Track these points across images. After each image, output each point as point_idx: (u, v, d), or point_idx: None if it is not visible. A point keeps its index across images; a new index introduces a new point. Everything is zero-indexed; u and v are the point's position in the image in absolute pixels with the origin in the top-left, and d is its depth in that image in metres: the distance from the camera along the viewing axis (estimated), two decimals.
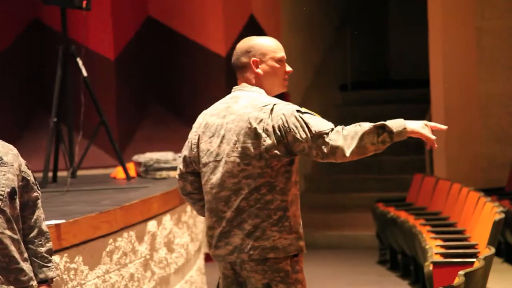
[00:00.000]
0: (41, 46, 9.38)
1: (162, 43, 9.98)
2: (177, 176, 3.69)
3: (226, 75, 9.78)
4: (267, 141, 3.41)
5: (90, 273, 4.62)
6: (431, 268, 5.56)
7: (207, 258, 8.09)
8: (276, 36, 10.36)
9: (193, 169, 3.58)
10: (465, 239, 6.47)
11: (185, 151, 3.62)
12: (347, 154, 3.33)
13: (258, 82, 3.56)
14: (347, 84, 12.18)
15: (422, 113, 10.21)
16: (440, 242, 6.48)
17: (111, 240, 4.89)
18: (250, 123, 3.44)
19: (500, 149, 9.77)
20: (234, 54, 3.61)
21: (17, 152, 3.54)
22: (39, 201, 3.56)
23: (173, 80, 10.05)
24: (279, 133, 3.40)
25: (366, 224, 9.52)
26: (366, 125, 3.36)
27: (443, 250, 6.10)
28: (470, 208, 6.92)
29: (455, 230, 6.94)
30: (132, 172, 7.12)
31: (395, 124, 3.36)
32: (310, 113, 3.44)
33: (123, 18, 9.55)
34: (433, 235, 6.87)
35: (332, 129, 3.37)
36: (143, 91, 9.98)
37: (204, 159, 3.50)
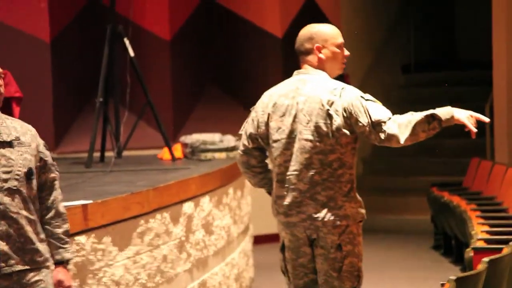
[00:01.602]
0: (98, 26, 9.47)
1: (218, 24, 9.96)
2: (240, 152, 4.07)
3: (282, 56, 9.71)
4: (337, 121, 3.80)
5: (119, 254, 4.64)
6: (471, 254, 5.42)
7: (256, 240, 8.09)
8: (335, 16, 10.33)
9: (258, 145, 3.99)
10: None
11: (250, 129, 4.02)
12: (401, 141, 3.73)
13: (321, 65, 3.96)
14: (410, 65, 11.97)
15: (484, 96, 9.97)
16: (487, 228, 6.33)
17: (142, 221, 4.89)
18: (322, 105, 3.84)
19: None
20: (297, 41, 4.04)
21: (35, 132, 3.55)
22: (56, 182, 3.56)
23: (229, 61, 10.03)
24: (345, 114, 3.80)
25: (423, 208, 9.36)
26: (418, 115, 3.74)
27: (487, 236, 5.94)
28: None
29: (506, 216, 6.77)
30: (178, 153, 7.13)
31: (443, 112, 3.73)
32: (372, 100, 3.82)
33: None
34: (482, 220, 6.71)
35: (390, 118, 3.74)
36: (199, 72, 9.99)
37: (275, 136, 3.89)
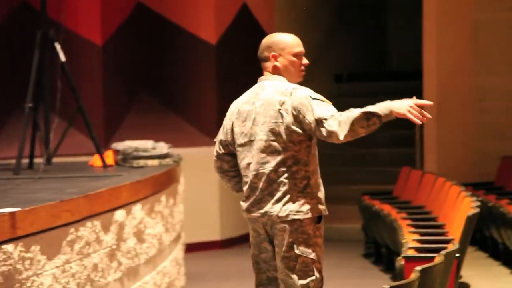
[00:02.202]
0: (27, 31, 9.30)
1: (152, 30, 9.88)
2: (214, 158, 4.31)
3: (216, 64, 9.68)
4: (287, 119, 4.04)
5: (48, 263, 4.54)
6: (402, 262, 5.47)
7: (187, 249, 8.04)
8: (269, 25, 10.34)
9: (229, 151, 4.24)
10: (443, 234, 6.37)
11: (221, 136, 4.26)
12: (341, 137, 3.90)
13: (277, 73, 4.20)
14: (342, 75, 12.07)
15: None
16: (417, 237, 6.39)
17: (72, 230, 4.81)
18: (275, 105, 4.08)
19: (493, 143, 9.65)
20: (259, 48, 4.28)
21: None
22: None
23: (162, 68, 9.96)
24: (295, 113, 4.02)
25: (354, 217, 9.43)
26: (357, 112, 3.89)
27: (417, 245, 6.00)
28: (451, 202, 6.82)
29: (434, 224, 6.85)
30: (110, 160, 7.04)
31: (382, 108, 3.89)
32: (319, 99, 4.01)
33: (112, 3, 9.45)
34: (412, 229, 6.78)
35: (332, 116, 3.91)
36: (131, 79, 9.89)
37: (239, 141, 4.16)
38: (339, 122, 3.88)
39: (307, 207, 4.01)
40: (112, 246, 5.30)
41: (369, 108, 3.88)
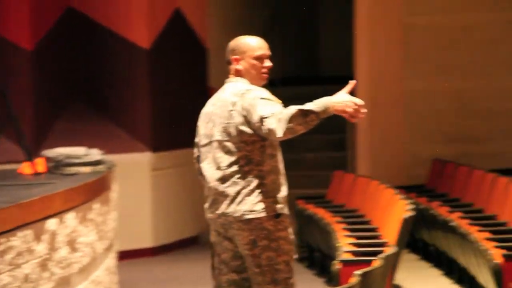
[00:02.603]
0: None
1: (83, 34, 9.72)
2: (194, 160, 4.38)
3: (150, 69, 9.57)
4: (237, 119, 4.10)
5: None
6: (338, 266, 5.47)
7: (120, 256, 7.92)
8: (203, 30, 10.27)
9: None
10: (377, 237, 6.40)
11: (196, 139, 4.33)
12: (279, 135, 3.91)
13: (240, 75, 4.25)
14: (275, 79, 12.07)
15: None
16: (352, 240, 6.41)
17: (3, 240, 4.67)
18: (227, 106, 4.15)
19: (423, 146, 9.76)
20: (226, 51, 4.33)
21: None
22: None
23: (95, 73, 9.81)
24: (244, 113, 4.08)
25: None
26: (293, 109, 3.91)
27: (353, 248, 6.02)
28: (384, 205, 6.87)
29: (368, 227, 6.89)
30: (41, 168, 6.89)
31: (319, 104, 3.94)
32: (267, 99, 4.06)
33: (41, 8, 9.27)
34: (347, 232, 6.80)
35: (273, 113, 3.94)
36: (62, 84, 9.72)
37: (202, 142, 4.25)
38: (278, 119, 3.91)
39: (261, 206, 4.06)
40: (44, 255, 5.18)
41: (307, 105, 3.91)
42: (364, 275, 3.61)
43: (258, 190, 4.07)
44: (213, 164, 4.16)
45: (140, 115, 9.59)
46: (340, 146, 10.52)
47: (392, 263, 4.42)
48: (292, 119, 3.89)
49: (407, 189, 8.76)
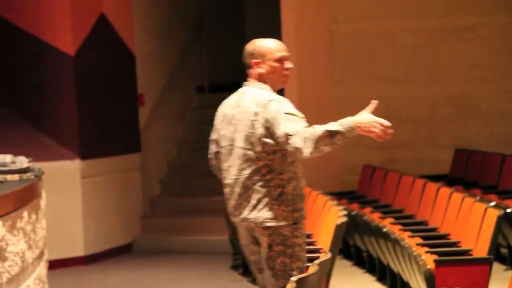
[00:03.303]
0: None
1: (6, 39, 9.54)
2: (210, 156, 4.50)
3: (75, 75, 9.43)
4: (259, 131, 4.18)
5: None
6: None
7: (51, 266, 7.78)
8: (128, 36, 10.17)
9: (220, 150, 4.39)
10: (311, 243, 6.40)
11: (213, 136, 4.44)
12: (305, 154, 4.04)
13: (261, 79, 4.31)
14: (204, 86, 12.03)
15: None
16: None
17: None
18: (249, 116, 4.22)
19: (354, 152, 9.82)
20: (243, 55, 4.38)
21: None
22: None
23: (20, 80, 9.63)
24: (266, 125, 4.16)
25: (221, 228, 9.38)
26: (321, 129, 4.04)
27: None
28: (317, 212, 6.88)
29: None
30: None
31: (345, 125, 4.07)
32: (291, 114, 4.12)
33: None
34: None
35: (298, 132, 4.03)
36: None
37: (222, 143, 4.33)
38: (304, 138, 4.01)
39: (281, 215, 4.20)
40: None
41: (333, 126, 4.03)
42: (299, 281, 3.60)
43: (280, 199, 4.19)
44: (235, 169, 4.24)
45: (67, 122, 9.44)
46: None
47: (326, 269, 4.42)
48: (319, 139, 4.01)
49: (339, 195, 8.81)
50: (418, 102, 9.92)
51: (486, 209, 5.61)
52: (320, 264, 3.99)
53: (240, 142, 4.24)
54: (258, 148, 4.19)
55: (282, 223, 4.19)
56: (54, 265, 8.58)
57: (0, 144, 8.96)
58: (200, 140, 11.54)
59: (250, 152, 4.21)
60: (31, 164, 6.90)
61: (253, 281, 7.98)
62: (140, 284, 8.41)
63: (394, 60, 9.87)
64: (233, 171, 4.25)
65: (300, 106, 9.55)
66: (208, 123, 11.45)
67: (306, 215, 7.24)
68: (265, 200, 4.20)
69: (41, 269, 6.79)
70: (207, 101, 11.90)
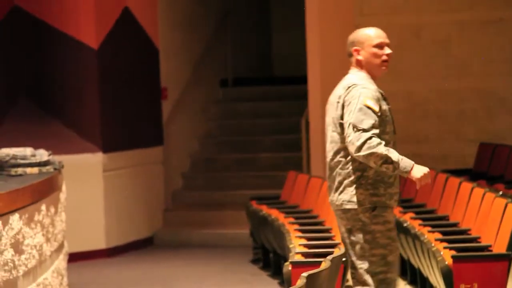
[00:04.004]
0: None
1: (30, 34, 9.56)
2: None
3: (98, 68, 9.44)
4: (339, 112, 4.32)
5: None
6: (289, 268, 5.41)
7: (72, 258, 7.80)
8: (153, 29, 10.17)
9: None
10: (329, 238, 6.35)
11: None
12: (354, 153, 4.21)
13: (360, 66, 4.41)
14: (227, 79, 11.99)
15: (301, 109, 10.12)
16: (304, 241, 6.35)
17: None
18: (336, 98, 4.39)
19: None
20: (347, 45, 4.48)
21: None
22: None
23: (42, 73, 9.65)
24: (345, 108, 4.30)
25: (242, 223, 9.36)
26: (383, 149, 4.19)
27: (304, 250, 5.96)
28: None
29: (321, 228, 6.83)
30: None
31: (404, 163, 4.21)
32: (368, 107, 4.25)
33: None
34: (300, 233, 6.74)
35: (364, 130, 4.19)
36: (10, 84, 9.55)
37: (326, 128, 4.47)
38: (364, 141, 4.17)
39: (359, 197, 4.27)
40: None
41: (394, 156, 4.16)
42: (310, 277, 3.54)
43: (360, 182, 4.27)
44: (327, 152, 4.42)
45: (89, 115, 9.45)
46: (295, 146, 10.46)
47: (340, 264, 4.37)
48: (375, 155, 4.17)
49: None
50: (444, 96, 9.81)
51: (506, 205, 5.52)
52: (332, 260, 3.93)
53: (329, 124, 4.40)
54: (339, 130, 4.31)
55: (359, 207, 4.27)
56: (76, 257, 8.62)
57: (23, 137, 9.00)
58: (223, 134, 11.57)
59: (334, 134, 4.35)
60: (51, 157, 6.92)
61: (274, 274, 7.96)
62: (160, 277, 8.41)
63: (421, 54, 9.76)
64: (327, 153, 4.43)
65: (323, 101, 9.52)
66: (231, 117, 11.65)
67: (326, 208, 7.25)
68: (345, 182, 4.31)
69: (60, 262, 6.81)
70: (230, 95, 11.88)
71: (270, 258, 8.14)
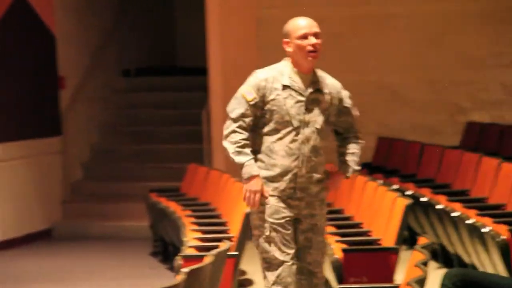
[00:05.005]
0: None
1: None
2: None
3: None
4: None
5: None
6: (180, 262, 5.35)
7: None
8: (48, 16, 9.89)
9: None
10: (224, 232, 6.32)
11: None
12: (222, 141, 4.38)
13: (290, 57, 4.46)
14: (130, 69, 11.83)
15: (202, 102, 10.06)
16: (199, 235, 6.31)
17: None
18: None
19: None
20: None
21: None
22: None
23: None
24: None
25: (142, 215, 9.25)
26: (234, 149, 4.36)
27: (198, 243, 5.91)
28: (234, 199, 6.80)
29: (217, 222, 6.80)
30: None
31: (245, 170, 4.38)
32: (241, 97, 4.38)
33: None
34: (196, 227, 6.69)
35: (233, 119, 4.35)
36: None
37: None
38: (229, 132, 4.34)
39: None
40: None
41: (240, 159, 4.32)
42: (191, 272, 3.49)
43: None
44: None
45: None
46: (197, 138, 10.40)
47: (226, 258, 4.33)
48: (228, 149, 4.37)
49: None
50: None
51: (395, 199, 5.58)
52: (216, 254, 3.90)
53: None
54: None
55: None
56: None
57: None
58: (125, 124, 11.41)
59: None
60: None
61: (171, 268, 7.89)
62: (58, 271, 8.24)
63: (324, 47, 9.81)
64: None
65: (225, 92, 9.48)
66: (134, 106, 11.49)
67: (224, 201, 7.21)
68: None
69: None
70: (133, 85, 11.73)
71: (169, 251, 8.07)
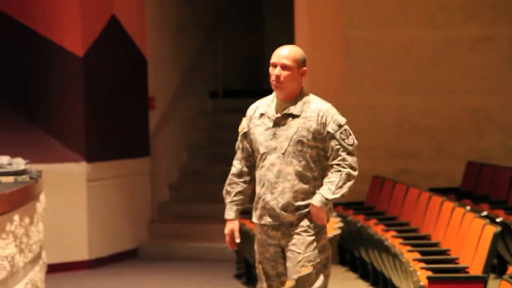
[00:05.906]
0: None
1: (14, 39, 9.49)
2: None
3: (83, 77, 9.35)
4: None
5: None
6: None
7: (53, 269, 7.70)
8: (140, 38, 10.06)
9: None
10: None
11: None
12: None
13: None
14: (218, 91, 11.90)
15: None
16: None
17: None
18: None
19: (364, 163, 9.60)
20: None
21: None
22: None
23: (25, 79, 9.57)
24: None
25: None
26: (226, 186, 4.82)
27: None
28: None
29: None
30: None
31: (226, 210, 4.82)
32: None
33: None
34: None
35: (236, 150, 4.60)
36: None
37: None
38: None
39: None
40: None
41: (226, 198, 4.74)
42: None
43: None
44: None
45: (74, 124, 9.36)
46: None
47: None
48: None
49: (346, 206, 8.65)
50: (434, 112, 9.73)
51: (484, 226, 5.43)
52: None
53: None
54: None
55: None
56: (57, 268, 8.52)
57: (5, 145, 8.90)
58: (212, 146, 11.47)
59: None
60: (28, 166, 6.82)
61: None
62: None
63: (410, 70, 9.69)
64: None
65: None
66: (221, 128, 11.52)
67: None
68: None
69: (36, 273, 6.69)
70: (221, 107, 11.78)
71: (254, 273, 8.04)
